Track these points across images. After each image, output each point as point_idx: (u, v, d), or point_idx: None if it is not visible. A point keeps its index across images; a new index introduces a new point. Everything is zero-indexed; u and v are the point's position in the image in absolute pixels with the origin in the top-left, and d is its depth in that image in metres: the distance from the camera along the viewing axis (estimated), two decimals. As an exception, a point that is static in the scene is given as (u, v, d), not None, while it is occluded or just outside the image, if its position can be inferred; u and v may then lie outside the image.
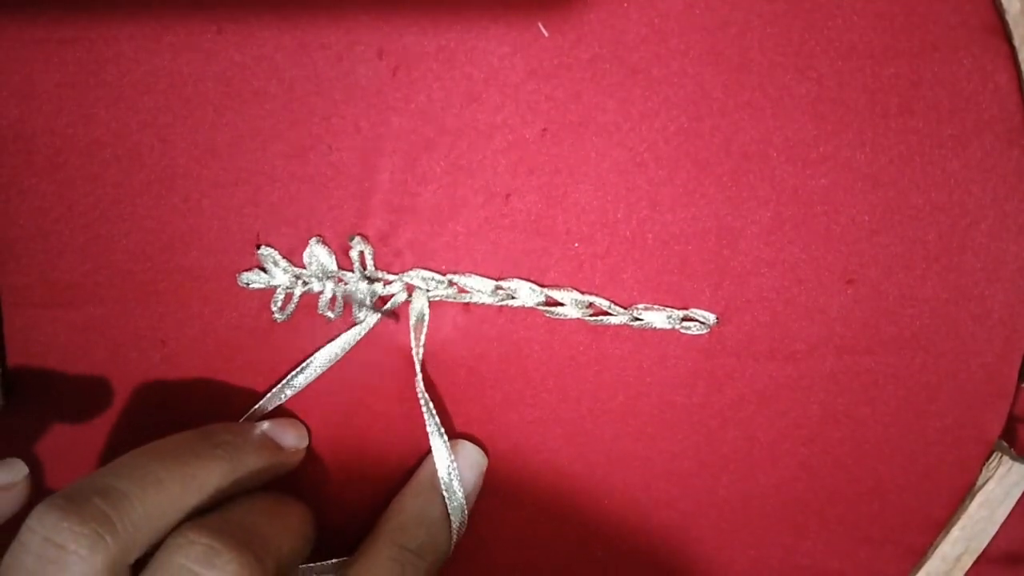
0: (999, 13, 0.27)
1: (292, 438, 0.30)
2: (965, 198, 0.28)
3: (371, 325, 0.29)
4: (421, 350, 0.29)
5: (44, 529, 0.23)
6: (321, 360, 0.30)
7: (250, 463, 0.28)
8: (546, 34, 0.27)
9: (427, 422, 0.29)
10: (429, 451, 0.30)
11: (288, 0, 0.27)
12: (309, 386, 0.30)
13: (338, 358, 0.30)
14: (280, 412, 0.30)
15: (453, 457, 0.29)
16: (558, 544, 0.31)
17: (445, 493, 0.29)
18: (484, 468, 0.30)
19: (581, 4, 0.27)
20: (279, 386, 0.30)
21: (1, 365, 0.29)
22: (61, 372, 0.30)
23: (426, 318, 0.29)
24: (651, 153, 0.28)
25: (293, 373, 0.30)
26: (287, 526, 0.27)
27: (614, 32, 0.27)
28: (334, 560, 0.30)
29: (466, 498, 0.29)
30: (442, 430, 0.29)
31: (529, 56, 0.27)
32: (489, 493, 0.31)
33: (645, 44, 0.27)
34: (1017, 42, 0.27)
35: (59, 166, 0.28)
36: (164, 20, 0.27)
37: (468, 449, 0.30)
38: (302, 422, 0.31)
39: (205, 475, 0.26)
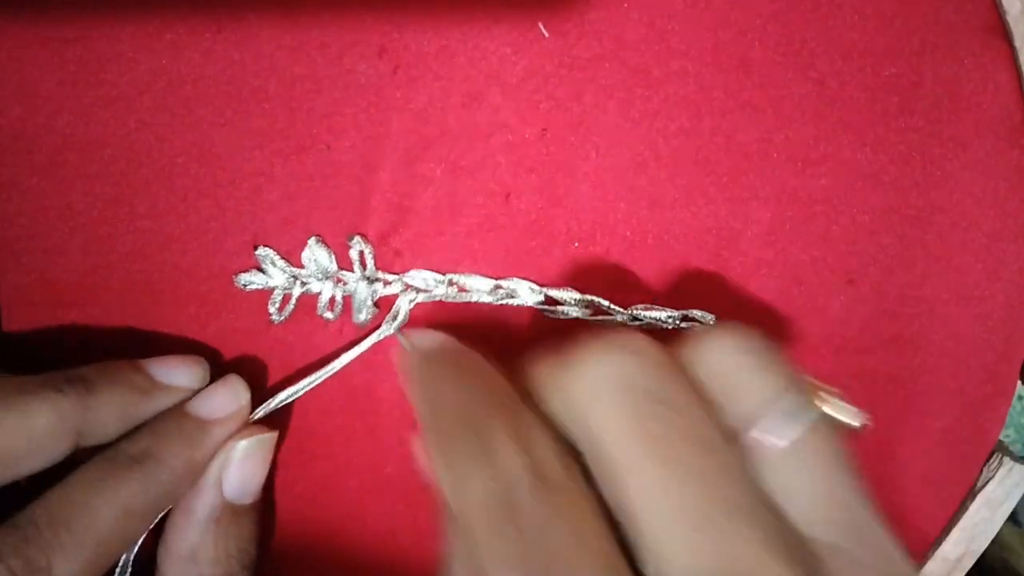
0: (1000, 13, 0.27)
1: (179, 377, 0.27)
2: (965, 198, 0.28)
3: (385, 335, 0.29)
4: (376, 339, 0.29)
5: None
6: (336, 367, 0.29)
7: (105, 399, 0.25)
8: (546, 35, 0.27)
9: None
10: None
11: None
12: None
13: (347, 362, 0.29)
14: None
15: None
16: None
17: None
18: (244, 403, 0.28)
19: (582, 4, 0.27)
20: (290, 390, 0.29)
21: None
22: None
23: (401, 316, 0.29)
24: (651, 153, 0.28)
25: (310, 379, 0.29)
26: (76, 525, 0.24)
27: (614, 32, 0.27)
28: None
29: (206, 420, 0.27)
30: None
31: (530, 56, 0.27)
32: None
33: (645, 44, 0.27)
34: (1018, 42, 0.27)
35: (58, 165, 0.28)
36: (164, 19, 0.27)
37: (232, 380, 0.28)
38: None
39: (35, 419, 0.24)
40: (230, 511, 0.28)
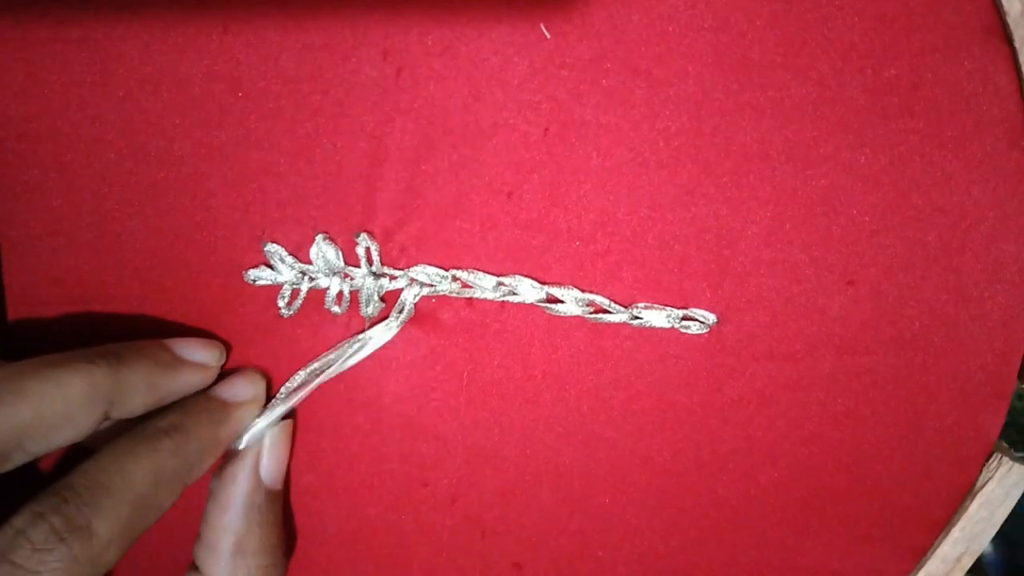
0: (1000, 14, 0.27)
1: (200, 355, 0.29)
2: (965, 199, 0.28)
3: (399, 324, 0.30)
4: (393, 330, 0.30)
5: None
6: (358, 357, 0.30)
7: (133, 371, 0.27)
8: (548, 36, 0.27)
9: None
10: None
11: (294, 1, 0.28)
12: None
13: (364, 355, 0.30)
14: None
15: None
16: (557, 543, 0.31)
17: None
18: (262, 390, 0.30)
19: (582, 6, 0.27)
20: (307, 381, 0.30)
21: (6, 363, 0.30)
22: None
23: (407, 309, 0.30)
24: (652, 153, 0.28)
25: (335, 364, 0.30)
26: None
27: (615, 33, 0.27)
28: None
29: (234, 406, 0.29)
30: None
31: (531, 57, 0.28)
32: (490, 491, 0.31)
33: (646, 45, 0.27)
34: (1018, 43, 0.27)
35: (66, 165, 0.29)
36: (171, 20, 0.28)
37: (251, 371, 0.31)
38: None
39: (69, 388, 0.25)
40: (269, 497, 0.29)
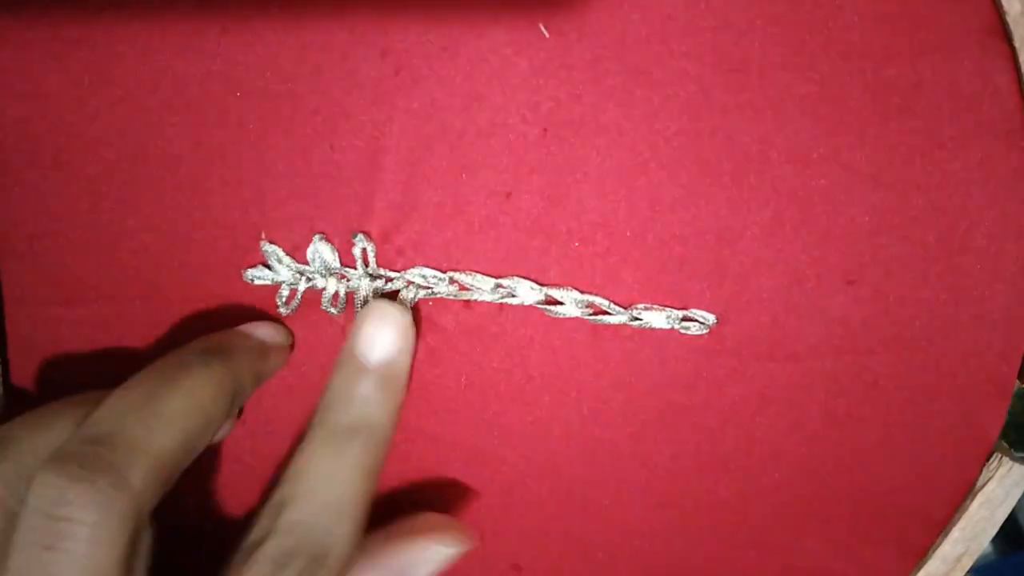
0: (999, 14, 0.27)
1: (276, 336, 0.29)
2: (965, 199, 0.28)
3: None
4: None
5: (44, 504, 0.20)
6: None
7: (241, 363, 0.26)
8: (547, 35, 0.27)
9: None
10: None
11: (292, 1, 0.27)
12: (307, 371, 0.30)
13: None
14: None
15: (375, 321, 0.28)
16: (557, 544, 0.31)
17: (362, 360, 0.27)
18: (405, 326, 0.28)
19: (582, 5, 0.27)
20: None
21: (2, 363, 0.30)
22: (64, 370, 0.30)
23: (408, 303, 0.29)
24: (652, 153, 0.28)
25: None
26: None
27: (615, 33, 0.27)
28: None
29: (387, 363, 0.28)
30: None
31: (530, 57, 0.27)
32: (490, 493, 0.31)
33: (646, 45, 0.27)
34: (1017, 43, 0.27)
35: (63, 165, 0.29)
36: (168, 20, 0.27)
37: (380, 308, 0.28)
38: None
39: (201, 397, 0.24)
40: None
